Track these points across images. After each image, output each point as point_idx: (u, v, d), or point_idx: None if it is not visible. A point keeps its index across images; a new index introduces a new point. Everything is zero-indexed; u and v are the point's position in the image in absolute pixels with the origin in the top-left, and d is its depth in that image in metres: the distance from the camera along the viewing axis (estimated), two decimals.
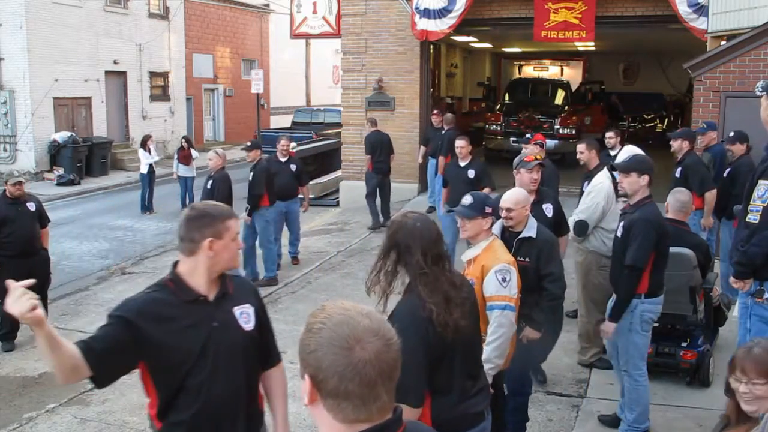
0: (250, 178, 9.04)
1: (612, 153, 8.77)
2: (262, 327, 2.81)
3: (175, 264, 2.72)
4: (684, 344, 5.51)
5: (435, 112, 12.75)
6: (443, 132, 11.68)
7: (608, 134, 9.03)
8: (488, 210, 3.71)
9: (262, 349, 2.82)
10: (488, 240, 3.74)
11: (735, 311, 5.81)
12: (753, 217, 3.98)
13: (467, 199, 3.74)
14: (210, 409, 2.65)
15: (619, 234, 4.60)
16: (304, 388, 1.44)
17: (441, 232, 3.00)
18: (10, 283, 2.24)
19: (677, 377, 5.53)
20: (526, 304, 3.99)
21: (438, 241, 2.92)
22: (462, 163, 8.38)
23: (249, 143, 9.60)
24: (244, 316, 2.73)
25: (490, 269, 3.60)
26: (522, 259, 4.24)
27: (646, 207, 4.52)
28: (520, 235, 4.36)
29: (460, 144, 8.40)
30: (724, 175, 7.41)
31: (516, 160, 5.48)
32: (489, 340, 3.57)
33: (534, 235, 4.35)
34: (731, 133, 7.54)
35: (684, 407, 5.24)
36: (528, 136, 8.49)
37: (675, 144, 7.50)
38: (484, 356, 3.44)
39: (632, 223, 4.46)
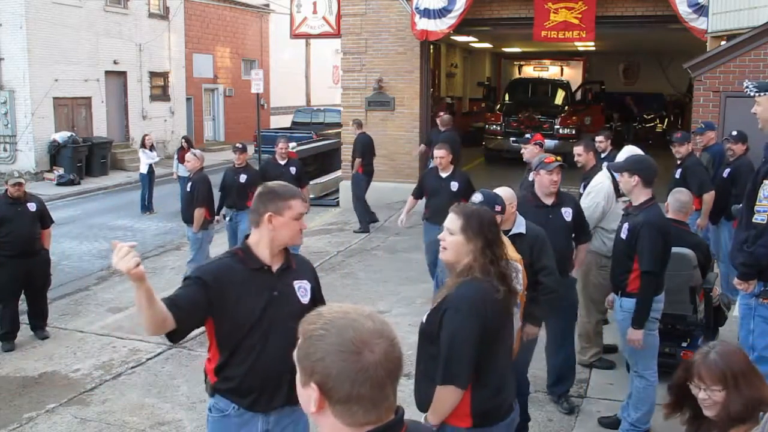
0: (243, 181, 8.83)
1: (602, 156, 8.78)
2: (317, 303, 2.98)
3: (247, 236, 3.04)
4: (684, 344, 5.50)
5: (441, 114, 12.40)
6: (440, 134, 11.61)
7: (598, 138, 8.98)
8: (498, 208, 3.74)
9: None
10: None
11: (735, 311, 5.80)
12: (760, 218, 3.94)
13: (477, 197, 3.77)
14: (259, 370, 2.90)
15: (623, 235, 4.57)
16: (308, 396, 1.42)
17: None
18: (116, 243, 2.52)
19: None
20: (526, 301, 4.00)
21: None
22: (443, 174, 7.50)
23: (240, 145, 9.38)
24: (302, 290, 3.04)
25: None
26: None
27: (650, 209, 4.52)
28: (510, 233, 4.31)
29: (439, 154, 7.51)
30: (724, 175, 7.41)
31: (535, 161, 5.31)
32: None
33: (524, 231, 4.35)
34: (734, 132, 7.51)
35: None
36: (527, 136, 8.26)
37: (682, 149, 7.51)
38: None
39: (638, 227, 4.45)
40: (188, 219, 8.38)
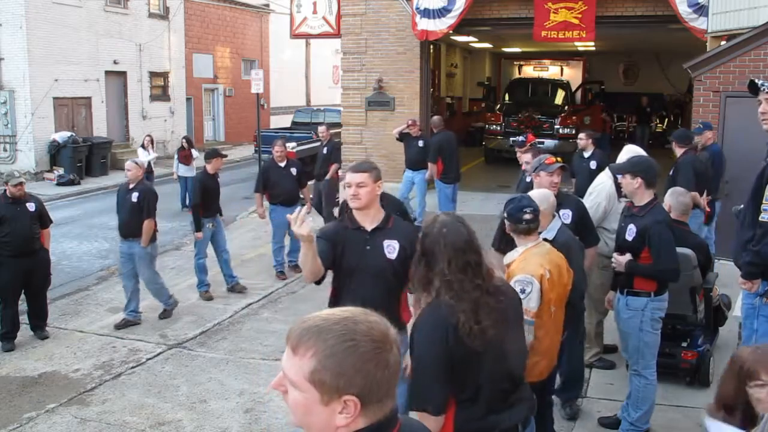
0: (219, 185, 8.78)
1: (585, 155, 8.81)
2: (408, 259, 3.63)
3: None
4: (684, 344, 5.51)
5: (410, 122, 11.72)
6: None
7: (580, 136, 9.12)
8: (503, 214, 3.67)
9: (406, 274, 3.72)
10: (526, 246, 3.69)
11: (735, 311, 5.80)
12: (766, 216, 3.92)
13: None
14: (357, 305, 3.63)
15: (628, 237, 4.56)
16: (331, 412, 1.36)
17: (471, 238, 2.85)
18: (289, 217, 3.37)
19: (677, 377, 5.53)
20: None
21: (467, 249, 2.80)
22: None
23: (211, 150, 9.02)
24: (390, 248, 3.85)
25: (513, 277, 3.56)
26: None
27: (656, 210, 4.55)
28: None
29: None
30: (670, 173, 7.61)
31: (535, 162, 5.24)
32: None
33: (551, 237, 4.18)
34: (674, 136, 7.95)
35: (684, 407, 5.24)
36: (521, 138, 8.05)
37: (678, 150, 7.71)
38: None
39: (647, 228, 4.46)
40: (132, 233, 7.54)
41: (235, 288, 8.76)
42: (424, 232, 2.88)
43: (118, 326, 7.53)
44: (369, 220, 3.86)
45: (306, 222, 3.32)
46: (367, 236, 3.85)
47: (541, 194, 4.34)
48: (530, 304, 3.53)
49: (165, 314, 7.85)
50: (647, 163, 4.67)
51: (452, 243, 2.78)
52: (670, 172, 7.53)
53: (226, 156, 8.99)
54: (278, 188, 9.25)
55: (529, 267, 3.60)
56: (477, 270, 2.78)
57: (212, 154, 8.81)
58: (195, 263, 8.63)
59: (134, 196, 7.52)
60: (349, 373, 1.34)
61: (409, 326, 4.18)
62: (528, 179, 7.47)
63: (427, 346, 2.73)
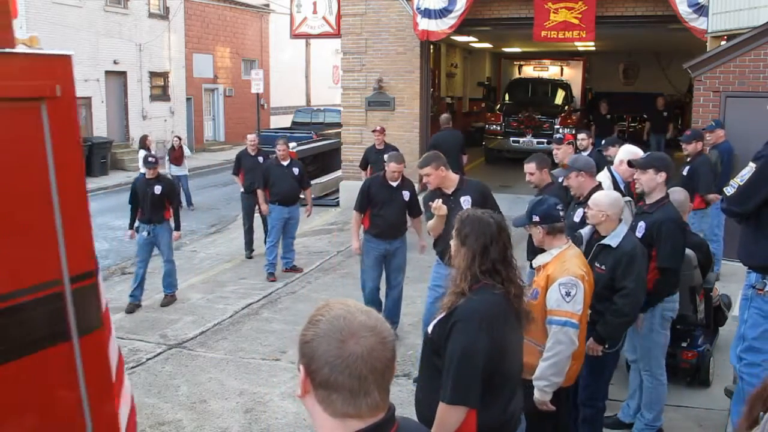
0: (158, 192, 8.10)
1: (584, 154, 8.85)
2: (478, 205, 4.60)
3: None
4: (684, 344, 5.51)
5: (378, 128, 11.06)
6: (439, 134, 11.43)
7: (580, 136, 9.21)
8: (535, 218, 3.60)
9: None
10: (560, 248, 3.60)
11: (735, 311, 5.80)
12: (729, 189, 4.05)
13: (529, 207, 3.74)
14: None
15: (638, 234, 4.54)
16: (299, 379, 1.48)
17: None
18: (431, 204, 5.29)
19: (677, 377, 5.53)
20: (594, 312, 3.87)
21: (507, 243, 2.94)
22: (394, 184, 6.84)
23: (152, 159, 8.27)
24: (465, 201, 5.36)
25: (555, 280, 3.46)
26: (598, 266, 4.10)
27: (667, 207, 4.54)
28: (601, 241, 4.19)
29: (397, 168, 6.74)
30: (684, 173, 7.74)
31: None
32: (545, 356, 3.41)
33: (614, 245, 4.12)
34: (687, 132, 8.09)
35: (684, 407, 5.24)
36: (559, 136, 8.19)
37: (689, 147, 7.80)
38: (538, 373, 3.38)
39: (658, 224, 4.43)
40: None
41: (164, 299, 8.37)
42: (481, 225, 2.92)
43: None
44: (449, 188, 5.51)
45: (443, 205, 5.21)
46: (451, 197, 5.44)
47: (611, 199, 4.27)
48: (576, 307, 3.43)
49: None
50: (668, 160, 4.70)
51: (500, 234, 2.91)
52: (683, 172, 7.75)
53: (153, 163, 8.23)
54: (277, 187, 9.25)
55: (571, 269, 3.50)
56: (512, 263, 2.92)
57: (144, 162, 8.42)
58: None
59: None
60: (304, 341, 1.46)
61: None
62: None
63: (478, 336, 2.70)
